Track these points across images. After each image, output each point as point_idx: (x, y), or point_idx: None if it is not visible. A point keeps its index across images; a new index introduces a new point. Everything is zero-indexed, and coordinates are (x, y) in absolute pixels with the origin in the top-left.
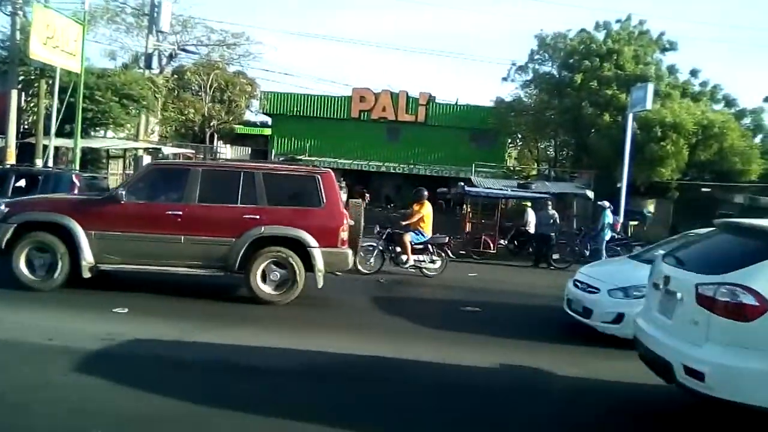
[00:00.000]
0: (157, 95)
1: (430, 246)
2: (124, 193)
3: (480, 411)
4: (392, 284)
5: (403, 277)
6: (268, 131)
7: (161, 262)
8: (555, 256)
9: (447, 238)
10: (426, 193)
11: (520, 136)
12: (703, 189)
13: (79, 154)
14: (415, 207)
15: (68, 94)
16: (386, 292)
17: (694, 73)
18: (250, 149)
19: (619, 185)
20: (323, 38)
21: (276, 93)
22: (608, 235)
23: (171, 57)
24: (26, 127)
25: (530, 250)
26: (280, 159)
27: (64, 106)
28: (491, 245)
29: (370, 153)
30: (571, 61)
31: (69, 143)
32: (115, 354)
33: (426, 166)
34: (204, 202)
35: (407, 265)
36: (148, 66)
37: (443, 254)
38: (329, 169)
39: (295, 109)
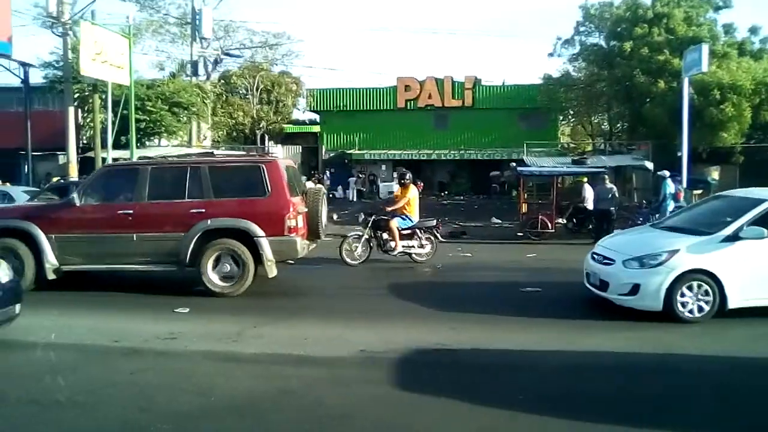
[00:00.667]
0: (205, 101)
1: (418, 231)
2: (77, 196)
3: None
4: (446, 269)
5: (459, 261)
6: (317, 128)
7: (118, 260)
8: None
9: (435, 221)
10: (410, 175)
11: (571, 111)
12: None
13: None
14: (400, 191)
15: (121, 106)
16: (442, 277)
17: (753, 30)
18: (300, 147)
19: (679, 154)
20: (364, 30)
21: (321, 89)
22: (671, 205)
23: (216, 62)
24: (85, 141)
25: (590, 227)
26: (330, 155)
27: (118, 118)
28: (549, 225)
29: (420, 141)
30: (619, 29)
31: (126, 154)
32: (178, 352)
33: (477, 150)
34: (154, 199)
35: (396, 252)
36: (195, 73)
37: (432, 238)
38: (276, 158)
39: (342, 104)
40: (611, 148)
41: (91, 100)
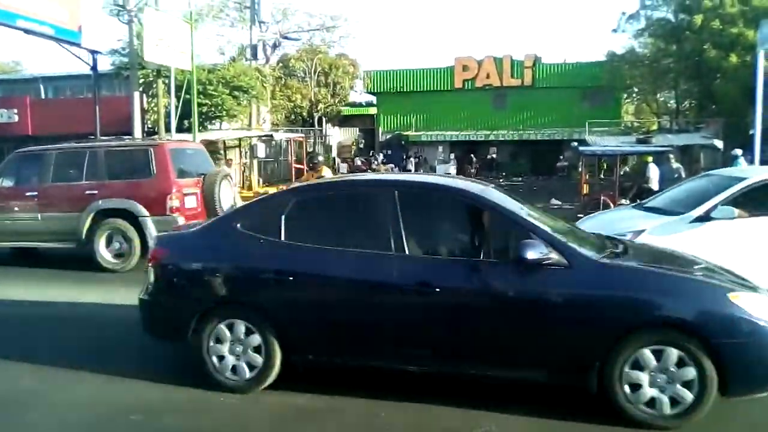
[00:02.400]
0: (265, 84)
1: None
2: None
3: None
4: None
5: None
6: (374, 110)
7: (28, 238)
8: None
9: None
10: (321, 158)
11: (636, 89)
12: None
13: None
14: (310, 174)
15: (183, 91)
16: None
17: None
18: (357, 129)
19: (752, 132)
20: (421, 8)
21: (378, 71)
22: None
23: (275, 46)
24: (149, 126)
25: None
26: (387, 137)
27: (180, 102)
28: (611, 205)
29: (478, 122)
30: (688, 2)
31: (189, 137)
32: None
33: (537, 130)
34: (57, 182)
35: None
36: (254, 57)
37: None
38: (165, 142)
39: (398, 85)
40: (678, 127)
41: (155, 86)
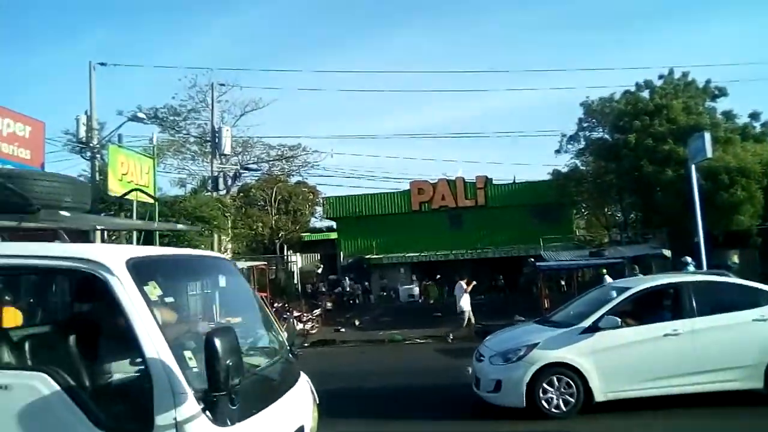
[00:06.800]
0: (226, 214)
1: None
2: None
3: None
4: None
5: None
6: (334, 235)
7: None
8: None
9: None
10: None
11: (584, 204)
12: None
13: None
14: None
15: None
16: None
17: (754, 115)
18: (318, 255)
19: (696, 240)
20: (375, 138)
21: (337, 197)
22: None
23: (235, 177)
24: None
25: None
26: (348, 261)
27: (142, 235)
28: None
29: (436, 243)
30: (621, 123)
31: None
32: None
33: (494, 248)
34: None
35: None
36: (215, 188)
37: None
38: None
39: (357, 209)
40: (628, 238)
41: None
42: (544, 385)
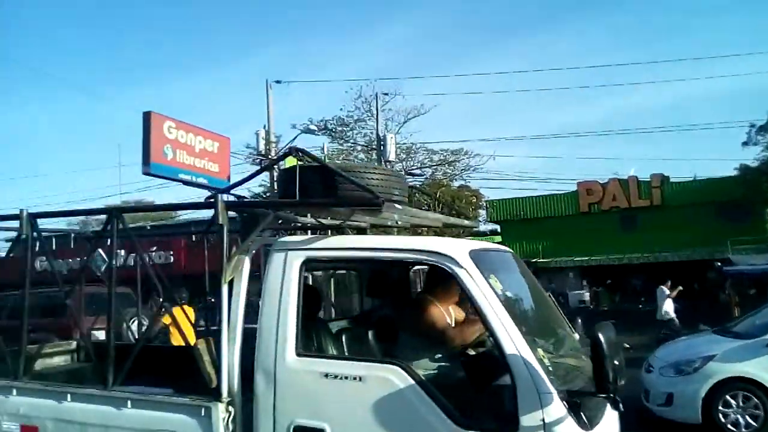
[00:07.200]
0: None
1: None
2: None
3: None
4: None
5: None
6: (498, 238)
7: None
8: None
9: None
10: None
11: None
12: None
13: None
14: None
15: None
16: None
17: None
18: None
19: None
20: (541, 138)
21: (501, 200)
22: None
23: None
24: None
25: None
26: None
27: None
28: None
29: (606, 246)
30: None
31: None
32: None
33: (672, 251)
34: None
35: None
36: None
37: None
38: None
39: (522, 212)
40: None
41: None
42: (727, 398)
